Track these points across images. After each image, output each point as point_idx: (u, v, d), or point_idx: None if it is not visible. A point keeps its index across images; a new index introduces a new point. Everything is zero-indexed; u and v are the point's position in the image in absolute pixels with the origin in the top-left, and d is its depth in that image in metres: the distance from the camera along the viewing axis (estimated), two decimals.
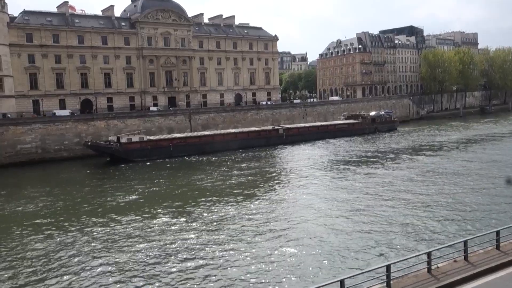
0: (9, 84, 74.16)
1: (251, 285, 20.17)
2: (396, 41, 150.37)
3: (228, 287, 20.12)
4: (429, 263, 14.46)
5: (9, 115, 69.93)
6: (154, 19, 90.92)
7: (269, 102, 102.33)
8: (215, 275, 21.28)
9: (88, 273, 22.19)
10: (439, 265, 14.87)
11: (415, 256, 16.41)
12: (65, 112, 74.57)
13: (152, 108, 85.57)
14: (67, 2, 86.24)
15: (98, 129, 70.41)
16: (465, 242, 15.39)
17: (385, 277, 13.59)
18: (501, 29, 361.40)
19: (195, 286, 20.38)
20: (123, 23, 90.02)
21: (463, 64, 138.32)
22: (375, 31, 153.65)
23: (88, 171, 59.14)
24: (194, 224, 29.89)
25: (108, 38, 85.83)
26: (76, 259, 24.11)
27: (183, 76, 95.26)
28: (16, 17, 79.36)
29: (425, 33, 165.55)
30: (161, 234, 27.81)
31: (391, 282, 13.52)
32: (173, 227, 29.26)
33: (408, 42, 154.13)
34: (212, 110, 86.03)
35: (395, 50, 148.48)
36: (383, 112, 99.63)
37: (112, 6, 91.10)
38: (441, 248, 17.01)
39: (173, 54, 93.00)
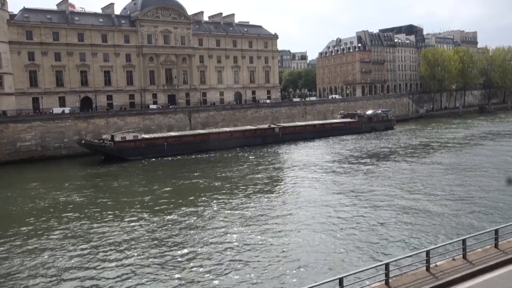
0: (9, 82, 74.14)
1: (249, 281, 20.25)
2: (395, 40, 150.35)
3: (225, 283, 20.22)
4: (427, 261, 14.54)
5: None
6: (154, 17, 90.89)
7: (268, 101, 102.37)
8: (206, 271, 21.38)
9: (89, 272, 22.33)
10: (437, 263, 14.96)
11: (414, 254, 16.55)
12: (58, 110, 74.49)
13: (152, 106, 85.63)
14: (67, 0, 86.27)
15: (97, 127, 70.38)
16: (464, 241, 15.49)
17: (384, 275, 13.69)
18: (500, 26, 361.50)
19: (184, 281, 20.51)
20: (123, 21, 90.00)
21: (463, 63, 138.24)
22: (374, 29, 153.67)
23: (72, 172, 55.94)
24: (184, 220, 29.99)
25: (108, 36, 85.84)
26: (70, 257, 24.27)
27: (183, 74, 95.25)
28: (16, 15, 79.41)
29: (424, 32, 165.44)
30: (153, 232, 27.95)
31: (390, 280, 13.61)
32: (166, 224, 29.41)
33: (408, 41, 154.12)
34: (212, 108, 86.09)
35: (395, 49, 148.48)
36: (380, 111, 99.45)
37: (112, 4, 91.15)
38: (440, 246, 17.08)
39: (173, 52, 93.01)
